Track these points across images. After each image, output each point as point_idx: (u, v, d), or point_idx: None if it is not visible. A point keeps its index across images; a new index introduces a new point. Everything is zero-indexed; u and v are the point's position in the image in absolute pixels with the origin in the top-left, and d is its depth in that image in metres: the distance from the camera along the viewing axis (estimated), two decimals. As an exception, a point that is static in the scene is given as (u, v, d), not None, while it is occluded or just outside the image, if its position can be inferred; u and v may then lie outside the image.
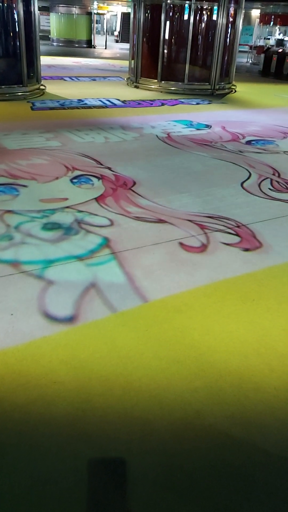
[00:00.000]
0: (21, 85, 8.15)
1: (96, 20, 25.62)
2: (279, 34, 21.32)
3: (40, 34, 8.71)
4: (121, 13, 28.74)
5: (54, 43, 23.26)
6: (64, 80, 10.98)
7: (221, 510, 1.40)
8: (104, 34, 26.47)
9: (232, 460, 1.55)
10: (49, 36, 23.71)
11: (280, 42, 19.43)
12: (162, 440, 1.62)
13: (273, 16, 21.81)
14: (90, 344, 2.08)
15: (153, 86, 10.08)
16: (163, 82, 10.04)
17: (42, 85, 8.94)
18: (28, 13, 7.98)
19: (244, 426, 1.69)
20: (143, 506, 1.40)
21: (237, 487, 1.46)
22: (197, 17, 9.66)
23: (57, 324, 2.19)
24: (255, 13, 24.84)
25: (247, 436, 1.65)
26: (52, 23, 23.39)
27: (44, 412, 1.69)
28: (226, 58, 10.28)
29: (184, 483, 1.46)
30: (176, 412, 1.74)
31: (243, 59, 20.27)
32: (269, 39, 20.76)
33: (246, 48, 22.18)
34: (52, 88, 9.21)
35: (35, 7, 8.20)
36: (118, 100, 8.52)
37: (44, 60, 12.07)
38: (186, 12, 9.55)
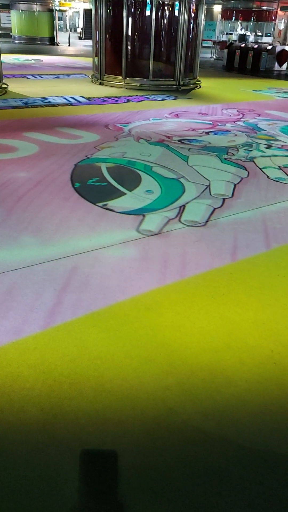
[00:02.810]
0: (-18, 84, 7.95)
1: (58, 17, 25.21)
2: (241, 29, 21.56)
3: (0, 31, 8.49)
4: (84, 9, 28.41)
5: (16, 41, 22.81)
6: (27, 78, 10.77)
7: (196, 508, 1.39)
8: (67, 31, 26.11)
9: (205, 457, 1.55)
10: (11, 33, 23.24)
11: (242, 37, 19.70)
12: (135, 440, 1.60)
13: (234, 12, 22.02)
14: (60, 347, 2.03)
15: (118, 83, 10.02)
16: (128, 78, 9.99)
17: (4, 83, 8.75)
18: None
19: (217, 421, 1.69)
20: (117, 509, 1.38)
21: (211, 484, 1.46)
22: (159, 13, 9.64)
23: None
24: (217, 8, 25.05)
25: (220, 431, 1.65)
26: (13, 21, 22.91)
27: (13, 420, 1.64)
28: (189, 54, 10.32)
29: (158, 483, 1.45)
30: (149, 411, 1.73)
31: (207, 55, 20.43)
32: (231, 34, 20.98)
33: (210, 44, 22.34)
34: (14, 87, 9.02)
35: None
36: (83, 97, 8.43)
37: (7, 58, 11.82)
38: (148, 8, 9.52)
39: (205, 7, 10.57)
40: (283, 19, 22.05)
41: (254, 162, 4.91)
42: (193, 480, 1.47)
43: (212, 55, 20.59)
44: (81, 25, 30.56)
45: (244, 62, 15.89)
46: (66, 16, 27.30)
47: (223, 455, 1.56)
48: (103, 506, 1.40)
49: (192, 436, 1.63)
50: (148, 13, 9.58)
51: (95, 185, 4.01)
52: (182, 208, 3.61)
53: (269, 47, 15.86)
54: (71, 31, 26.66)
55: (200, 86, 10.66)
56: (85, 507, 1.39)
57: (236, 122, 6.93)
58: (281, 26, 22.15)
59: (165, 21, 9.82)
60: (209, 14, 25.83)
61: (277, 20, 21.57)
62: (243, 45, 16.52)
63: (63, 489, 1.41)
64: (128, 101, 8.42)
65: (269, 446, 1.60)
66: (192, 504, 1.40)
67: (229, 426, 1.67)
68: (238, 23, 21.77)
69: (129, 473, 1.48)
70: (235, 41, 18.61)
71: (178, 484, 1.45)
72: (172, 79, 10.10)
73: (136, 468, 1.50)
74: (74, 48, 22.61)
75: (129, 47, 9.92)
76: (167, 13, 9.75)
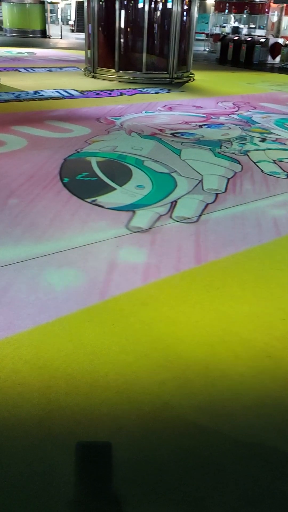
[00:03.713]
0: (-27, 78, 7.86)
1: (50, 10, 24.95)
2: (234, 21, 21.48)
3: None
4: (76, 1, 28.15)
5: (8, 34, 22.58)
6: (19, 71, 10.67)
7: (190, 501, 1.40)
8: (59, 23, 25.85)
9: (200, 450, 1.56)
10: (2, 26, 23.00)
11: (235, 30, 19.63)
12: (131, 435, 1.61)
13: (227, 4, 21.92)
14: (55, 342, 2.03)
15: (111, 76, 9.95)
16: (120, 71, 9.93)
17: (-4, 77, 8.68)
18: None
19: (211, 415, 1.70)
20: (113, 504, 1.38)
21: (205, 477, 1.47)
22: (152, 5, 9.57)
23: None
24: (210, 0, 24.90)
25: (214, 425, 1.66)
26: (4, 13, 22.65)
27: (8, 416, 1.64)
28: (183, 47, 10.26)
29: (154, 477, 1.46)
30: (145, 405, 1.73)
31: (200, 47, 20.33)
32: (224, 26, 20.90)
33: (203, 36, 22.24)
34: (6, 80, 8.94)
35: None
36: (76, 90, 8.37)
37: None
38: (141, 0, 9.44)
39: (198, -1, 10.51)
40: (276, 12, 21.98)
41: (248, 155, 4.91)
42: (188, 474, 1.48)
43: (205, 48, 20.49)
44: (73, 18, 30.28)
45: (237, 55, 15.83)
46: (58, 8, 27.03)
47: (217, 449, 1.57)
48: (99, 500, 1.40)
49: (187, 430, 1.64)
50: (141, 5, 9.51)
51: (84, 180, 3.96)
52: (173, 203, 3.57)
53: (262, 40, 15.81)
54: (63, 24, 26.40)
55: (194, 79, 10.62)
56: (81, 502, 1.40)
57: (230, 115, 6.92)
58: (274, 18, 22.08)
59: (158, 13, 9.75)
60: (202, 7, 25.69)
61: (270, 13, 21.49)
62: (236, 38, 16.46)
63: (59, 485, 1.41)
64: (121, 94, 8.37)
65: (262, 439, 1.61)
66: (187, 497, 1.41)
67: (223, 419, 1.68)
68: (231, 15, 21.69)
69: (124, 467, 1.49)
70: (228, 33, 18.54)
71: (173, 478, 1.46)
72: (166, 72, 10.04)
73: (132, 462, 1.51)
74: (66, 41, 22.42)
75: (122, 40, 9.85)
76: (160, 5, 9.69)
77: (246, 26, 21.24)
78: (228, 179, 4.17)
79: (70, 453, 1.52)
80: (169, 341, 2.07)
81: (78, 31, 27.52)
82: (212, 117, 6.75)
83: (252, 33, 20.24)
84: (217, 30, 21.04)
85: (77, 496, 1.41)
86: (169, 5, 9.63)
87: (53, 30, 23.98)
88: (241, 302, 2.40)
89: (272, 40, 16.06)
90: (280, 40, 16.23)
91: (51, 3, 24.49)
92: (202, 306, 2.35)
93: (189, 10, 10.12)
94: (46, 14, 22.98)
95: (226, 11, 21.94)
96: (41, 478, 1.43)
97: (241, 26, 20.87)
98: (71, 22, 30.85)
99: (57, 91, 8.19)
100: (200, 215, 3.39)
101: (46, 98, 7.55)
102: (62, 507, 1.36)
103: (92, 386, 1.80)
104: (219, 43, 16.77)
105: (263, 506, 1.40)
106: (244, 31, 20.43)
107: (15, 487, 1.40)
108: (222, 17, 22.14)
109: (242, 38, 16.39)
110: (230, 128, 6.13)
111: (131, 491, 1.41)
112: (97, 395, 1.76)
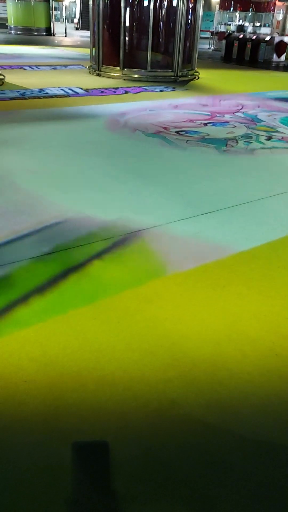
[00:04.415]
0: (-22, 75, 7.87)
1: (55, 7, 24.95)
2: (239, 20, 21.42)
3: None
4: (80, -1, 28.16)
5: (12, 31, 22.59)
6: (24, 69, 10.67)
7: (199, 498, 1.39)
8: (63, 21, 25.84)
9: (208, 448, 1.55)
10: (7, 24, 23.00)
11: (240, 28, 19.58)
12: (138, 432, 1.60)
13: (232, 2, 21.86)
14: (61, 339, 2.02)
15: (115, 74, 9.94)
16: (125, 69, 9.91)
17: (1, 74, 8.67)
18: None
19: (219, 413, 1.69)
20: (120, 501, 1.38)
21: (214, 475, 1.46)
22: (157, 3, 9.54)
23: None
24: (215, -2, 24.82)
25: (222, 423, 1.65)
26: (9, 11, 22.66)
27: (14, 413, 1.63)
28: (188, 45, 10.24)
29: (162, 475, 1.45)
30: (151, 403, 1.72)
31: (205, 46, 20.27)
32: (229, 24, 20.84)
33: (208, 34, 22.17)
34: (11, 78, 8.94)
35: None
36: (81, 88, 8.36)
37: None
38: (146, -2, 9.43)
39: (204, -3, 10.48)
40: (281, 10, 21.90)
41: (254, 154, 4.90)
42: (196, 471, 1.47)
43: (210, 46, 20.43)
44: (77, 16, 30.27)
45: (242, 53, 15.78)
46: (63, 6, 27.05)
47: (225, 447, 1.56)
48: (105, 497, 1.40)
49: (195, 428, 1.63)
50: (146, 3, 9.48)
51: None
52: (181, 200, 3.59)
53: (268, 38, 15.74)
54: (67, 22, 26.39)
55: (199, 77, 10.59)
56: (87, 499, 1.39)
57: (235, 113, 6.89)
58: (280, 16, 22.00)
59: (163, 11, 9.72)
60: (207, 4, 25.60)
61: (275, 11, 21.42)
62: (241, 36, 16.40)
63: (65, 482, 1.41)
64: (126, 92, 8.35)
65: (271, 437, 1.60)
66: (195, 495, 1.40)
67: (231, 418, 1.67)
68: (237, 13, 21.63)
69: (131, 465, 1.48)
70: (233, 31, 18.48)
71: (180, 475, 1.45)
72: (170, 70, 10.02)
73: (139, 460, 1.50)
74: (71, 39, 22.42)
75: (127, 38, 9.82)
76: (165, 3, 9.65)
77: (251, 24, 21.17)
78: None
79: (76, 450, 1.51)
80: (175, 339, 2.07)
81: (82, 29, 27.51)
82: (217, 115, 6.73)
83: (257, 31, 20.16)
84: (222, 28, 21.01)
85: (83, 493, 1.40)
86: (174, 3, 9.60)
87: (57, 28, 23.97)
88: (247, 301, 2.39)
89: (277, 39, 15.98)
90: (286, 39, 16.15)
91: (56, 0, 24.47)
92: (208, 304, 2.34)
93: (194, 8, 10.08)
94: (51, 12, 22.97)
95: (231, 9, 21.89)
96: (48, 475, 1.42)
97: (246, 24, 20.80)
98: (75, 20, 30.82)
99: (62, 89, 8.18)
100: (204, 213, 3.38)
101: (51, 96, 7.54)
102: (68, 504, 1.36)
103: (98, 383, 1.79)
104: (224, 41, 16.71)
105: (271, 504, 1.39)
106: (249, 29, 20.36)
107: (21, 484, 1.40)
108: (227, 15, 22.09)
109: (247, 36, 16.34)
110: (235, 126, 6.11)
111: (138, 488, 1.41)
112: (103, 392, 1.76)
